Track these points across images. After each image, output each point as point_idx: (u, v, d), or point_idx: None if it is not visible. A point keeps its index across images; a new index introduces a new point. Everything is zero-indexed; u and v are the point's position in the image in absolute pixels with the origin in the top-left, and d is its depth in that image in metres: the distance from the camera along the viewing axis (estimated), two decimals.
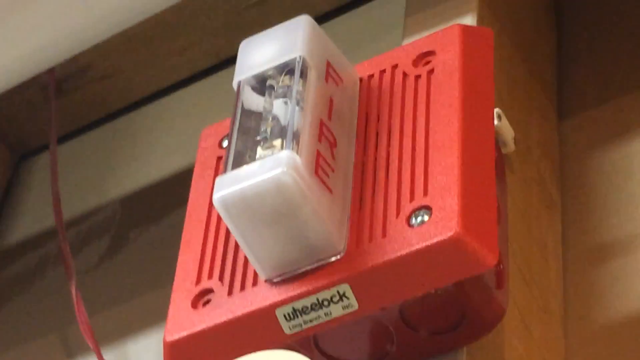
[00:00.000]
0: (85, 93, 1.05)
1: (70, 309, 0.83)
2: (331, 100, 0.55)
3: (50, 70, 0.84)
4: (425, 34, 0.68)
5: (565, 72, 0.86)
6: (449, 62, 0.57)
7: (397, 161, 0.54)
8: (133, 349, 0.82)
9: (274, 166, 0.48)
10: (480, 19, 0.71)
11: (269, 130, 0.52)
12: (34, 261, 0.97)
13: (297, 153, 0.49)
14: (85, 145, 1.04)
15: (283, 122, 0.52)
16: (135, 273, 0.91)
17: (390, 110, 0.57)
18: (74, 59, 0.84)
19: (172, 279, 0.85)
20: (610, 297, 0.70)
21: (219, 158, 0.61)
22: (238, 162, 0.51)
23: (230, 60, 0.93)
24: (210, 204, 0.58)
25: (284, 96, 0.53)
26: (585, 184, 0.77)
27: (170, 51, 1.06)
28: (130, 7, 0.78)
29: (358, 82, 0.61)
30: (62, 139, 1.03)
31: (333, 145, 0.54)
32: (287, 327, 0.51)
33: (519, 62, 0.79)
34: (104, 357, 0.78)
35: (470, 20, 0.71)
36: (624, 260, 0.71)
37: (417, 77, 0.57)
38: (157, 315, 0.84)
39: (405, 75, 0.58)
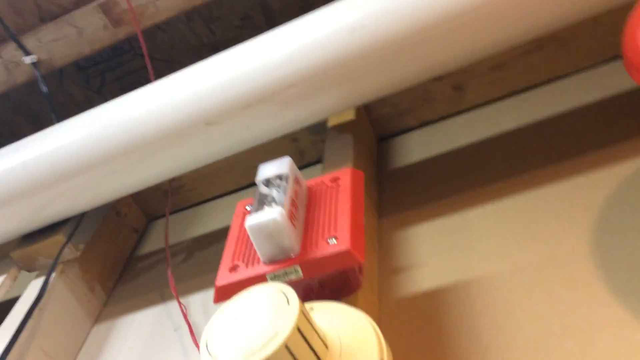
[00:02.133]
0: (181, 194, 1.10)
1: (166, 280, 0.87)
2: (297, 191, 0.61)
3: (170, 181, 0.89)
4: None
5: (381, 197, 0.88)
6: (345, 182, 0.63)
7: (323, 218, 0.60)
8: (193, 298, 0.86)
9: (273, 212, 0.54)
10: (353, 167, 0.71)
11: (270, 199, 0.58)
12: (155, 260, 1.01)
13: (282, 209, 0.55)
14: (179, 217, 1.09)
15: (277, 197, 0.57)
16: (194, 265, 0.94)
17: (320, 198, 0.63)
18: (179, 178, 0.91)
19: (208, 267, 0.90)
20: (398, 286, 0.71)
21: (244, 213, 0.66)
22: (257, 211, 0.56)
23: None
24: (241, 228, 0.63)
25: (278, 187, 0.59)
26: (385, 242, 0.79)
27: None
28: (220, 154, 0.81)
29: (306, 186, 0.65)
30: (172, 213, 1.10)
31: (296, 208, 0.59)
32: (270, 281, 0.52)
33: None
34: (181, 300, 0.81)
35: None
36: (408, 274, 0.73)
37: (332, 187, 0.64)
38: (202, 283, 0.89)
39: (327, 185, 0.64)
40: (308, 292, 0.59)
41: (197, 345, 0.73)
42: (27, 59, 1.03)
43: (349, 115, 0.88)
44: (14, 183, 0.84)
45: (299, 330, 0.39)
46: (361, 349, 0.42)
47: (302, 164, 1.03)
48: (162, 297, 0.90)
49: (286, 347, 0.38)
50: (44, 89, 1.01)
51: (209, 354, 0.39)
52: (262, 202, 0.58)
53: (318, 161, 1.03)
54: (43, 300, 0.81)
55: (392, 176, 0.92)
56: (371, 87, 0.76)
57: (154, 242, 1.06)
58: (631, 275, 0.59)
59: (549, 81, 0.94)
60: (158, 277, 0.95)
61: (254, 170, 1.08)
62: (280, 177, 0.61)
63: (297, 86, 0.74)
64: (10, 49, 1.03)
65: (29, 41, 1.02)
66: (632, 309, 0.55)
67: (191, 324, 0.77)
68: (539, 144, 0.82)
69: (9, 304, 0.89)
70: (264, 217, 0.55)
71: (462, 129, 0.95)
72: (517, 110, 0.92)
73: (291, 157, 1.03)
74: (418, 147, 0.96)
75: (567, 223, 0.68)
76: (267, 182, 0.61)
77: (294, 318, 0.38)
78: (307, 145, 1.03)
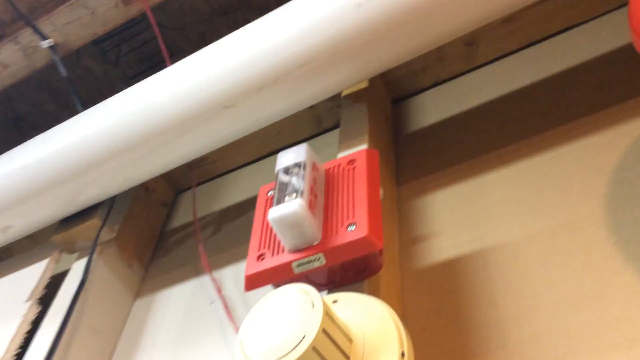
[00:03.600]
0: (205, 166, 1.14)
1: (199, 254, 0.91)
2: (315, 178, 0.63)
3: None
4: (348, 152, 0.77)
5: (399, 164, 0.90)
6: (361, 164, 0.65)
7: (341, 202, 0.62)
8: (226, 271, 0.90)
9: (294, 205, 0.57)
10: (369, 144, 0.78)
11: (290, 190, 0.60)
12: (186, 233, 1.04)
13: (302, 199, 0.57)
14: (205, 188, 1.11)
15: (296, 186, 0.59)
16: (223, 237, 0.97)
17: (338, 182, 0.64)
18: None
19: (237, 238, 0.93)
20: (419, 256, 0.75)
21: (266, 199, 0.68)
22: (278, 202, 0.59)
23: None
24: (265, 216, 0.65)
25: (297, 176, 0.61)
26: (404, 210, 0.82)
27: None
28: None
29: (324, 170, 0.66)
30: (197, 185, 1.10)
31: (315, 196, 0.61)
32: (295, 270, 0.59)
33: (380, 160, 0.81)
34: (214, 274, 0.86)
35: (365, 144, 0.77)
36: (427, 243, 0.76)
37: (349, 169, 0.65)
38: (232, 256, 0.92)
39: (343, 168, 0.65)
40: (332, 275, 0.61)
41: (232, 320, 0.77)
42: (45, 43, 1.04)
43: (362, 83, 0.88)
44: (48, 172, 0.87)
45: (324, 331, 0.42)
46: (383, 341, 0.46)
47: (320, 131, 1.05)
48: (196, 270, 0.94)
49: (313, 348, 0.41)
50: (63, 72, 1.03)
51: (245, 355, 0.43)
52: (282, 191, 0.60)
53: (336, 126, 1.03)
54: (87, 282, 0.85)
55: (408, 140, 0.93)
56: (382, 59, 0.76)
57: (183, 215, 1.09)
58: None
59: (563, 30, 0.91)
60: (191, 251, 0.98)
61: (273, 139, 1.12)
62: (298, 165, 0.63)
63: (308, 64, 0.75)
64: (27, 34, 1.05)
65: (44, 25, 1.03)
66: None
67: (225, 297, 0.80)
68: (553, 100, 0.82)
69: (55, 280, 0.94)
70: (285, 210, 0.57)
71: (477, 86, 0.94)
72: (532, 63, 0.91)
73: (308, 123, 1.07)
74: (433, 108, 0.96)
75: (581, 186, 0.69)
76: (287, 170, 0.63)
77: (319, 321, 0.42)
78: (323, 112, 1.04)
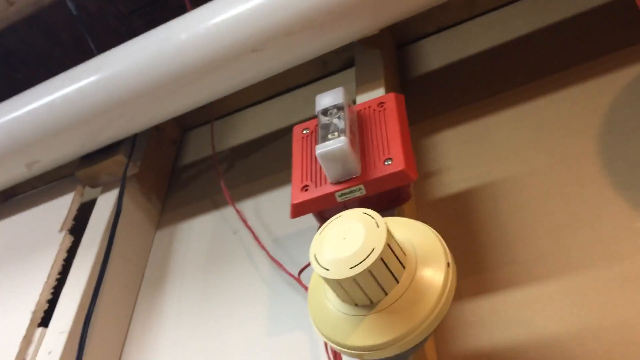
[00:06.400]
0: (213, 105, 1.08)
1: (215, 188, 1.00)
2: (352, 118, 0.70)
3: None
4: (367, 95, 0.85)
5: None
6: (391, 106, 0.72)
7: (376, 140, 0.69)
8: (245, 204, 0.97)
9: (340, 142, 0.65)
10: (385, 88, 0.86)
11: (333, 129, 0.67)
12: (198, 169, 1.10)
13: (346, 137, 0.65)
14: (220, 124, 1.17)
15: (339, 126, 0.67)
16: (237, 173, 1.04)
17: (371, 122, 0.72)
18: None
19: (251, 174, 1.00)
20: (432, 189, 0.84)
21: (302, 137, 0.75)
22: (323, 140, 0.66)
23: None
24: (304, 153, 0.73)
25: (337, 117, 0.68)
26: (414, 148, 0.90)
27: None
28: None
29: (356, 111, 0.73)
30: (205, 123, 1.18)
31: (354, 134, 0.69)
32: (338, 199, 0.67)
33: None
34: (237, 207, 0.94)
35: (382, 88, 0.86)
36: (439, 178, 0.84)
37: (379, 110, 0.72)
38: (249, 190, 0.99)
39: (374, 110, 0.73)
40: (367, 203, 0.70)
41: (262, 247, 0.87)
42: None
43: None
44: (75, 109, 0.92)
45: (388, 245, 0.53)
46: (431, 254, 0.56)
47: (326, 73, 1.12)
48: (215, 204, 1.02)
49: (381, 259, 0.52)
50: (74, 10, 1.06)
51: (320, 266, 0.53)
52: (325, 130, 0.69)
53: (341, 69, 1.12)
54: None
55: (414, 84, 1.01)
56: (401, 8, 0.83)
57: (192, 152, 1.16)
58: (632, 172, 0.71)
59: None
60: (205, 186, 1.06)
61: (280, 81, 1.18)
62: (337, 107, 0.71)
63: (334, 12, 0.82)
64: None
65: None
66: (633, 202, 0.69)
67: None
68: (550, 48, 0.91)
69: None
70: (332, 146, 0.66)
71: (477, 33, 1.02)
72: (530, 13, 0.98)
73: (314, 67, 1.14)
74: (436, 53, 1.04)
75: (576, 127, 0.80)
76: (325, 112, 0.71)
77: (384, 237, 0.52)
78: (329, 55, 1.09)
